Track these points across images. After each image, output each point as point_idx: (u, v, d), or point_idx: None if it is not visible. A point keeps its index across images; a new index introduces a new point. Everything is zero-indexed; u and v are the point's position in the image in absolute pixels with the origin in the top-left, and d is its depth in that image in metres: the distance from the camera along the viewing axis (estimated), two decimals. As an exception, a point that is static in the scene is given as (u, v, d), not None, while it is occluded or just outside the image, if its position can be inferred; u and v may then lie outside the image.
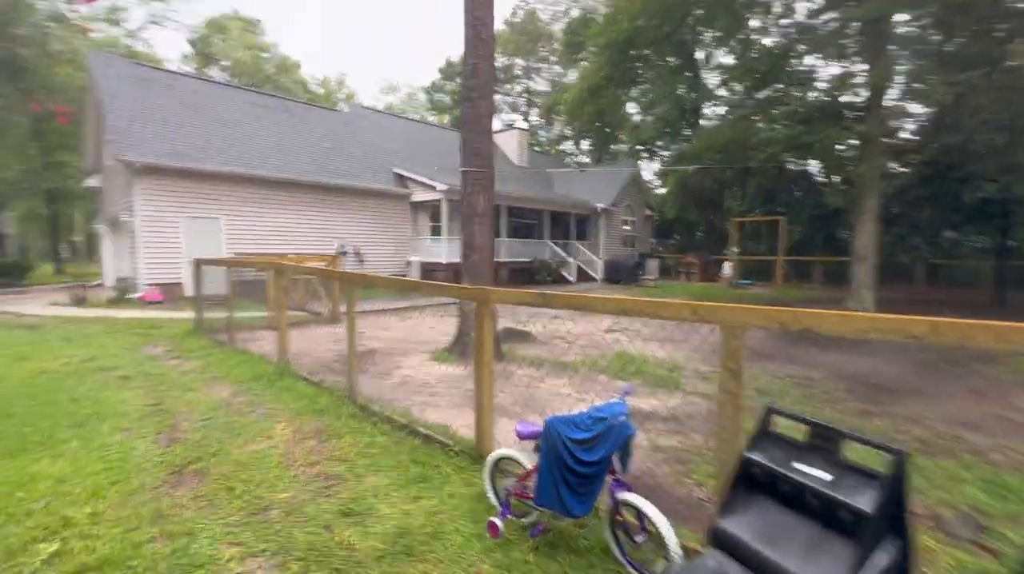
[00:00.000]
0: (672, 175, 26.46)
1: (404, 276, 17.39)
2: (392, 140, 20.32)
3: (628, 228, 25.83)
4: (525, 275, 19.35)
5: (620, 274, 20.72)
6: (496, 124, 47.22)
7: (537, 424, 2.47)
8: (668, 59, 24.38)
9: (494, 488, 2.77)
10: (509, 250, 19.17)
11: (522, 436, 2.44)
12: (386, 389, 5.19)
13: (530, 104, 45.65)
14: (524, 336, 7.73)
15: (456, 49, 55.94)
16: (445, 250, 16.83)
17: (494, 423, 3.44)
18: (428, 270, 17.30)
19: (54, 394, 4.76)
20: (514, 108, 45.59)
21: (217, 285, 8.24)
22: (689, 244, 30.50)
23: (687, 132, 28.36)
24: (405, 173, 18.16)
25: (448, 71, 43.03)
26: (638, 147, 33.56)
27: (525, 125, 31.00)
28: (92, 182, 16.65)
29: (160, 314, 10.24)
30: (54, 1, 17.07)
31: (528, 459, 2.55)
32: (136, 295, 12.41)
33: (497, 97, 45.56)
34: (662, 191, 32.61)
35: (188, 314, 10.03)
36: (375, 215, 17.28)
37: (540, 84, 44.88)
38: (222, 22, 33.02)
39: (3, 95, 15.56)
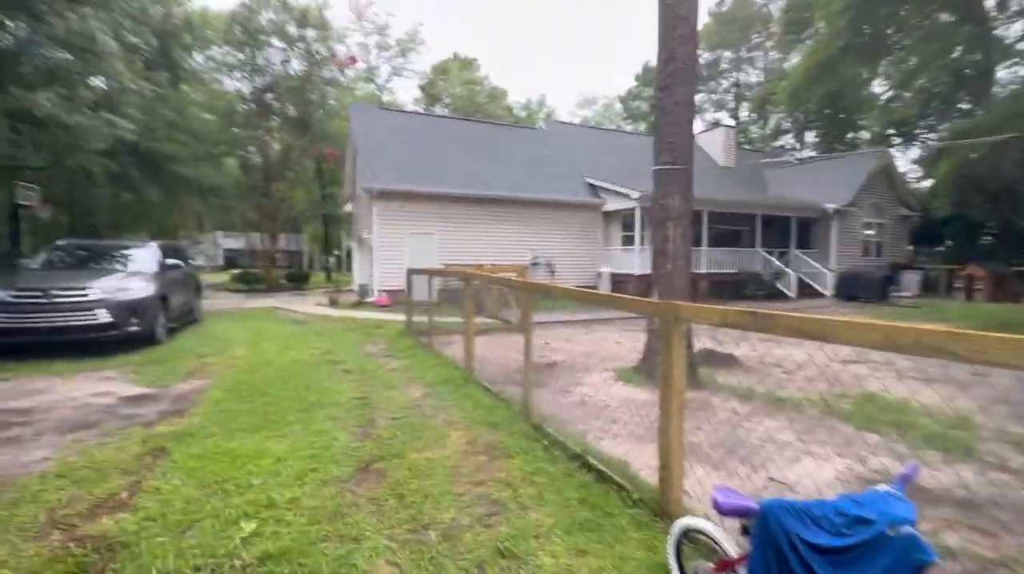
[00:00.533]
0: (947, 159, 20.12)
1: (594, 288, 17.09)
2: (585, 152, 20.38)
3: (872, 232, 20.81)
4: (730, 289, 17.11)
5: (861, 290, 16.71)
6: (698, 126, 43.99)
7: (746, 497, 1.75)
8: (937, 15, 18.93)
9: (681, 567, 2.11)
10: (711, 260, 17.25)
11: (723, 511, 1.75)
12: (563, 407, 4.84)
13: (739, 99, 41.14)
14: (727, 360, 6.55)
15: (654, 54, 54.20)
16: (637, 260, 15.97)
17: (685, 469, 2.74)
18: (618, 282, 16.67)
19: (297, 380, 5.71)
20: (720, 106, 41.71)
21: (427, 292, 9.15)
22: (968, 251, 23.01)
23: (965, 106, 21.57)
24: (597, 183, 17.94)
25: (645, 76, 41.73)
26: (889, 132, 26.96)
27: (732, 122, 27.90)
28: (348, 208, 20.81)
29: (385, 316, 11.95)
30: (332, 69, 22.07)
31: (732, 543, 1.84)
32: (371, 299, 14.87)
33: (699, 96, 42.38)
34: (926, 183, 25.47)
35: (404, 317, 11.51)
36: (567, 227, 17.46)
37: (752, 75, 40.11)
38: (445, 66, 38.42)
39: (297, 146, 20.81)
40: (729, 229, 19.25)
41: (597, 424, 4.26)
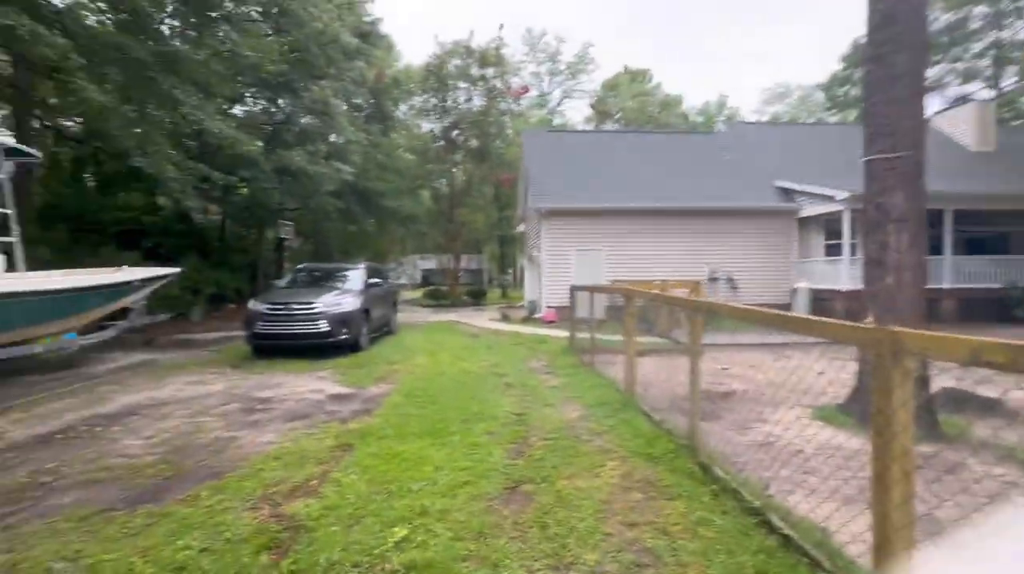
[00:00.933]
0: None
1: (787, 307, 14.80)
2: (774, 152, 17.94)
3: None
4: (992, 309, 13.04)
5: None
6: (935, 103, 35.40)
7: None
8: None
9: None
10: (959, 272, 13.43)
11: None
12: (740, 447, 4.13)
13: (999, 64, 31.77)
14: (984, 405, 4.86)
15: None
16: (845, 274, 13.29)
17: (916, 557, 2.00)
18: (820, 299, 14.08)
19: (463, 391, 6.06)
20: (969, 76, 32.85)
21: (597, 308, 8.99)
22: None
23: None
24: (790, 185, 15.58)
25: (853, 57, 35.20)
26: None
27: (990, 95, 21.60)
28: (521, 228, 21.96)
29: (551, 332, 12.11)
30: (507, 101, 23.87)
31: None
32: (539, 315, 15.29)
33: (936, 69, 34.10)
34: None
35: (568, 334, 11.50)
36: (751, 237, 15.51)
37: (1021, 30, 30.65)
38: (616, 81, 38.32)
39: (477, 174, 22.94)
40: (989, 231, 14.82)
41: (785, 473, 3.50)
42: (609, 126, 39.01)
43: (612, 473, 3.59)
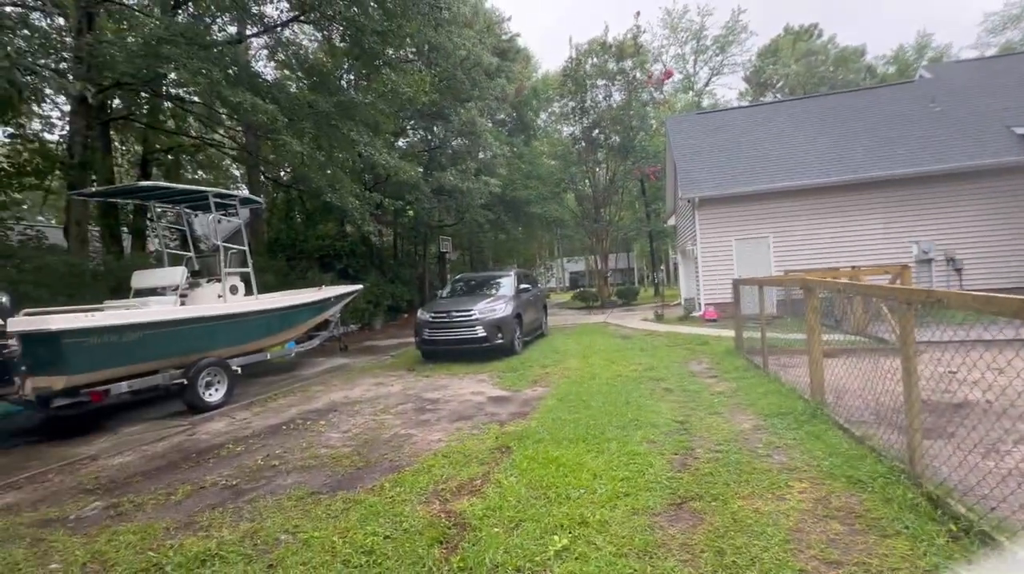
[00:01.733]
0: None
1: (1044, 288, 11.32)
2: (1008, 91, 13.92)
3: None
4: None
5: None
6: None
7: None
8: None
9: None
10: None
11: None
12: (992, 477, 3.19)
13: None
14: None
15: None
16: None
17: None
18: (1102, 277, 10.44)
19: (617, 395, 5.84)
20: None
21: (766, 303, 8.00)
22: None
23: None
24: (1039, 131, 11.92)
25: None
26: None
27: None
28: (671, 222, 20.69)
29: (712, 331, 11.10)
30: (649, 90, 22.73)
31: None
32: (697, 313, 14.16)
33: None
34: None
35: (732, 333, 10.38)
36: (979, 204, 12.22)
37: None
38: (776, 45, 33.79)
39: (621, 170, 22.25)
40: None
41: (1067, 516, 2.59)
42: (769, 98, 34.59)
43: (802, 496, 3.06)
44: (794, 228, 13.39)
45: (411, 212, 19.16)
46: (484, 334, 8.78)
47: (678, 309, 16.98)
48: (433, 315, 9.19)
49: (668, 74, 22.16)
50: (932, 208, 12.52)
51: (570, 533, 2.79)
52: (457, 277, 11.64)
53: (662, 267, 34.35)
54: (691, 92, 30.73)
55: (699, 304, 14.35)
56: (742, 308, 8.18)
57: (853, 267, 9.85)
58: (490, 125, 20.48)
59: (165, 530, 3.23)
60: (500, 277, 10.87)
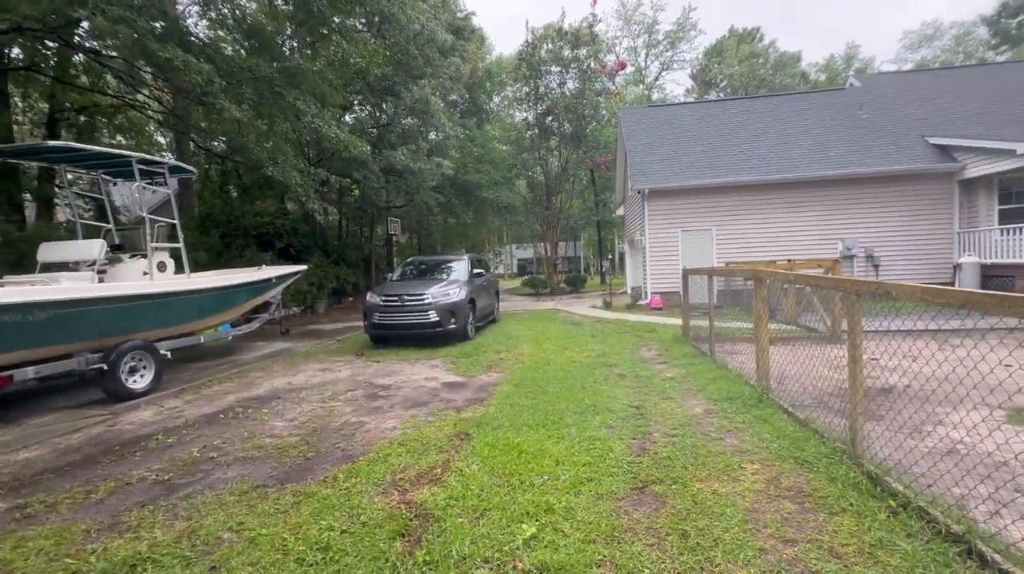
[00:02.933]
0: None
1: (948, 285, 12.57)
2: (923, 104, 15.24)
3: None
4: None
5: None
6: None
7: None
8: None
9: None
10: None
11: None
12: (916, 455, 3.46)
13: None
14: None
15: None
16: (1031, 244, 10.91)
17: None
18: (994, 277, 11.73)
19: (573, 381, 5.88)
20: None
21: (705, 293, 8.33)
22: None
23: None
24: (950, 141, 13.12)
25: (1034, -23, 28.57)
26: None
27: None
28: (619, 212, 21.15)
29: (658, 319, 11.48)
30: (603, 80, 22.98)
31: None
32: (644, 302, 14.62)
33: None
34: None
35: (678, 321, 10.79)
36: (897, 205, 13.35)
37: None
38: (721, 46, 35.14)
39: (573, 158, 22.45)
40: None
41: (986, 490, 2.85)
42: (712, 96, 35.98)
43: (755, 478, 3.19)
44: (736, 222, 14.05)
45: (356, 191, 18.40)
46: (437, 319, 8.59)
47: (625, 298, 17.46)
48: (384, 298, 8.87)
49: (622, 65, 22.45)
50: (857, 208, 13.52)
51: (537, 521, 2.75)
52: (408, 260, 11.29)
53: (609, 256, 35.19)
54: (642, 85, 31.42)
55: (645, 293, 14.81)
56: (690, 297, 8.48)
57: (789, 260, 10.49)
58: (443, 105, 19.95)
59: (85, 533, 2.89)
60: (453, 261, 10.66)
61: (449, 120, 17.75)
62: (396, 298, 8.75)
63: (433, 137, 18.65)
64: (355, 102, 17.74)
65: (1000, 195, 12.40)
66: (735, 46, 33.58)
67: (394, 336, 8.93)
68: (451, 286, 9.15)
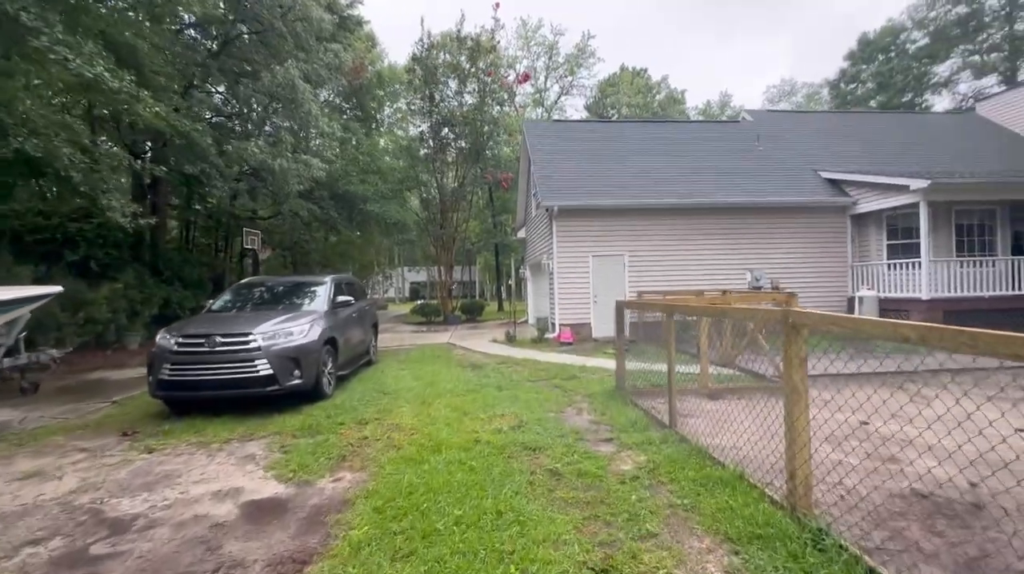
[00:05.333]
0: None
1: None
2: (811, 141, 15.77)
3: None
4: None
5: None
6: (946, 103, 33.90)
7: None
8: None
9: None
10: (961, 282, 11.20)
11: None
12: None
13: (1015, 57, 30.32)
14: None
15: (874, 24, 43.99)
16: (924, 279, 10.98)
17: None
18: (891, 310, 11.74)
19: (478, 495, 3.45)
20: (983, 70, 31.38)
21: (622, 327, 6.51)
22: None
23: None
24: (842, 176, 13.34)
25: (865, 52, 33.63)
26: None
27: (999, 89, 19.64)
28: (520, 234, 19.49)
29: (574, 358, 9.56)
30: (502, 95, 21.43)
31: None
32: (552, 335, 12.75)
33: (948, 64, 32.74)
34: None
35: (600, 362, 8.95)
36: (798, 237, 13.19)
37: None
38: (613, 80, 36.24)
39: (471, 174, 20.51)
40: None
41: None
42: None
43: None
44: (648, 248, 12.90)
45: (205, 192, 14.46)
46: (270, 372, 5.66)
47: (527, 327, 15.56)
48: (182, 342, 5.70)
49: (525, 77, 21.25)
50: (763, 238, 13.12)
51: None
52: (244, 282, 8.07)
53: (508, 282, 33.66)
54: (541, 108, 30.96)
55: (553, 325, 12.98)
56: (622, 334, 6.57)
57: (724, 291, 9.24)
58: (314, 95, 16.86)
59: None
60: (309, 285, 7.74)
61: (324, 115, 14.70)
62: (201, 340, 5.65)
63: (304, 136, 15.37)
64: (197, 80, 13.88)
65: (888, 230, 12.68)
66: (629, 80, 34.88)
67: (199, 400, 5.78)
68: (297, 321, 6.27)
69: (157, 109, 9.81)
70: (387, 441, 4.75)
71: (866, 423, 4.76)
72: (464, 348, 11.80)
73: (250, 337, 5.69)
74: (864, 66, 33.80)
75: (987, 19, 30.45)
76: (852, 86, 34.49)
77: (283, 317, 6.26)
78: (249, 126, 13.97)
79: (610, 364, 7.68)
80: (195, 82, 13.57)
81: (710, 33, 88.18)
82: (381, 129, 28.46)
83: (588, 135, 16.18)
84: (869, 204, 12.63)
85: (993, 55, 31.51)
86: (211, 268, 21.56)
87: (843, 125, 17.25)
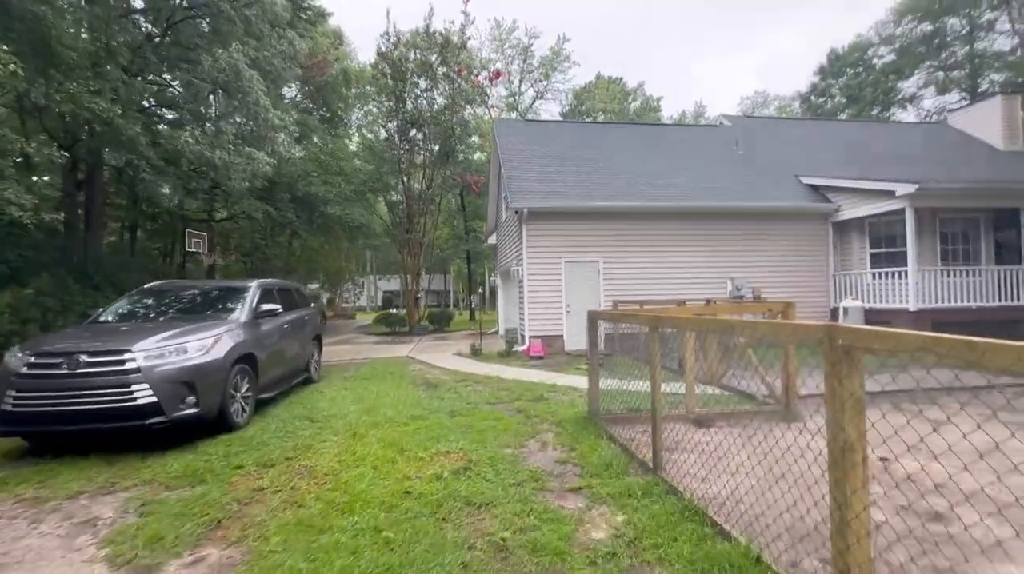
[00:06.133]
0: None
1: (831, 329, 11.73)
2: (790, 147, 15.32)
3: None
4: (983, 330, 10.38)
5: None
6: (910, 115, 34.54)
7: None
8: None
9: None
10: (948, 292, 10.80)
11: None
12: None
13: (975, 75, 31.17)
14: None
15: (842, 40, 44.98)
16: (912, 289, 10.42)
17: None
18: (876, 322, 11.14)
19: (408, 566, 2.38)
20: (946, 86, 32.15)
21: (593, 340, 5.56)
22: None
23: None
24: (824, 182, 12.83)
25: (835, 67, 34.15)
26: None
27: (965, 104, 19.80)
28: (491, 240, 18.51)
29: (543, 375, 8.56)
30: (475, 88, 20.36)
31: None
32: (520, 347, 11.74)
33: (913, 80, 33.47)
34: None
35: (572, 379, 7.97)
36: (780, 245, 12.57)
37: (999, 42, 30.22)
38: (589, 88, 35.86)
39: (440, 177, 19.47)
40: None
41: None
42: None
43: None
44: (624, 254, 12.06)
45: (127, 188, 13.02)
46: (152, 400, 4.45)
47: (496, 339, 14.51)
48: (34, 362, 4.46)
49: (497, 74, 20.40)
50: (743, 246, 12.44)
51: None
52: (147, 286, 6.75)
53: (479, 290, 32.59)
54: (516, 112, 30.21)
55: (523, 337, 11.97)
56: (595, 348, 5.60)
57: (707, 301, 8.39)
58: (273, 90, 15.61)
59: None
60: (228, 291, 6.53)
61: (274, 104, 13.44)
62: (59, 361, 4.41)
63: (256, 127, 14.01)
64: (124, 60, 12.40)
65: (871, 238, 12.17)
66: (605, 87, 34.52)
67: (61, 435, 4.53)
68: (197, 334, 5.07)
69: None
70: (288, 494, 3.62)
71: (886, 460, 3.91)
72: (423, 363, 10.66)
73: (127, 355, 4.48)
74: (833, 80, 34.32)
75: (949, 38, 31.25)
76: (822, 99, 34.98)
77: (177, 330, 5.04)
78: (187, 115, 12.61)
79: (583, 382, 6.69)
80: (122, 61, 12.09)
81: (684, 44, 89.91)
82: (351, 131, 27.15)
83: (562, 136, 15.36)
84: (852, 211, 12.10)
85: (955, 72, 32.37)
86: (156, 274, 19.89)
87: (822, 132, 16.94)
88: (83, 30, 10.51)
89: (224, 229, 24.12)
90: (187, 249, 15.63)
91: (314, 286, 40.91)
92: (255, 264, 30.15)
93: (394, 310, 28.87)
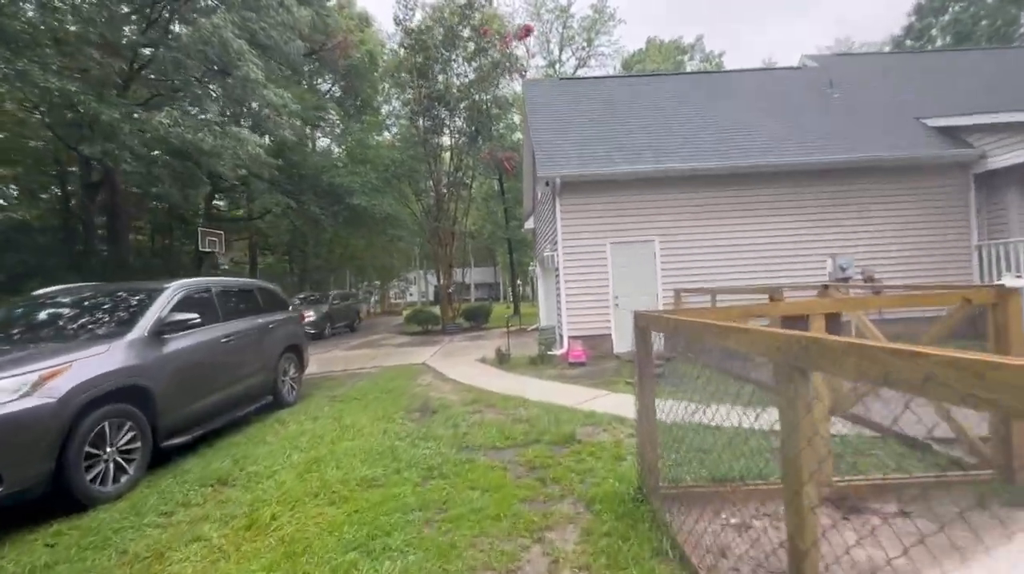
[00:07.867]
0: None
1: (975, 324, 8.62)
2: (907, 84, 11.99)
3: None
4: None
5: None
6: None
7: None
8: None
9: None
10: None
11: None
12: None
13: None
14: None
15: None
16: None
17: None
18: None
19: None
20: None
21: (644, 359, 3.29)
22: None
23: None
24: (962, 121, 9.62)
25: (935, 2, 28.74)
26: None
27: None
28: (529, 224, 16.33)
29: (580, 393, 6.35)
30: (503, 61, 18.07)
31: None
32: (558, 351, 9.54)
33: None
34: None
35: (620, 400, 5.66)
36: (893, 208, 9.55)
37: None
38: (640, 56, 32.47)
39: (471, 155, 17.49)
40: None
41: None
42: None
43: None
44: (686, 230, 9.54)
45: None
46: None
47: (533, 338, 12.37)
48: None
49: (527, 30, 17.96)
50: (845, 211, 9.54)
51: None
52: (34, 294, 5.23)
53: (519, 282, 30.47)
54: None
55: (561, 337, 9.76)
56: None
57: (825, 287, 5.79)
58: (246, 46, 14.07)
59: None
60: (126, 297, 4.81)
61: (271, 80, 11.93)
62: None
63: (249, 106, 12.64)
64: (94, 34, 11.18)
65: (1040, 192, 8.88)
66: (657, 49, 31.00)
67: None
68: (21, 367, 3.32)
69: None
70: None
71: None
72: (436, 373, 8.72)
73: None
74: (934, 19, 28.88)
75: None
76: (920, 43, 29.56)
77: (32, 348, 3.33)
78: (162, 92, 11.36)
79: (633, 408, 4.44)
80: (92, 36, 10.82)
81: (745, 7, 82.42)
82: (382, 118, 25.75)
83: (605, 93, 12.82)
84: (1008, 156, 8.86)
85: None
86: (181, 276, 19.42)
87: (945, 64, 13.27)
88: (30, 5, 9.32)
89: (260, 228, 23.50)
90: (202, 248, 14.63)
91: (363, 284, 40.37)
92: (297, 263, 29.66)
93: (425, 302, 27.31)
